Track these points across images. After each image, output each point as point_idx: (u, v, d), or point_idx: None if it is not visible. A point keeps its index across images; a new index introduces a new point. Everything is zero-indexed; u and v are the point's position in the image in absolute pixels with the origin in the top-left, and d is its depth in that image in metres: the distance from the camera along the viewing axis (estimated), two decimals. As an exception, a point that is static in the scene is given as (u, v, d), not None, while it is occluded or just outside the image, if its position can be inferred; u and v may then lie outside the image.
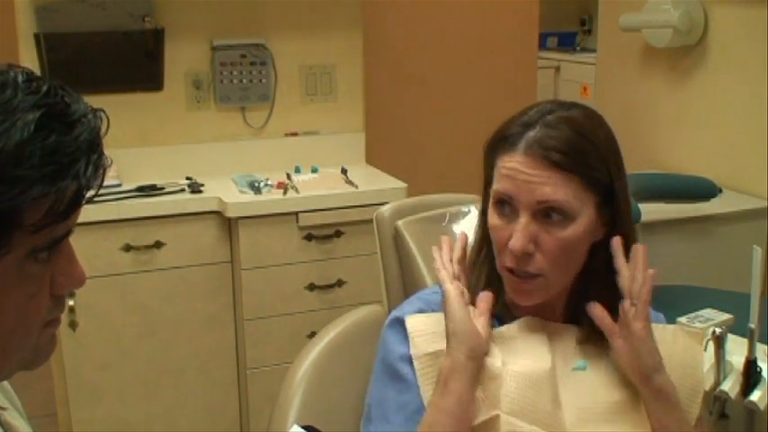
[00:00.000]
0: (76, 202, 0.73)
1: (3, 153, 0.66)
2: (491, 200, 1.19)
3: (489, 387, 1.16)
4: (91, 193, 0.75)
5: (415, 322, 1.24)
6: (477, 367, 1.15)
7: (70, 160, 0.70)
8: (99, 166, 0.73)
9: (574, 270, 1.19)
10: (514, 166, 1.14)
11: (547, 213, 1.13)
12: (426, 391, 1.18)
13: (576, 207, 1.13)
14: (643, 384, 1.17)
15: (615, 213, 1.18)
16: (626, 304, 1.17)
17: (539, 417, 1.15)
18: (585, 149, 1.14)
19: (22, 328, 0.75)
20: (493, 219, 1.18)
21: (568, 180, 1.12)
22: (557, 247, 1.14)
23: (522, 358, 1.19)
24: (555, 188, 1.12)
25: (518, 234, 1.13)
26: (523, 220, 1.13)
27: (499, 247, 1.18)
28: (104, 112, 0.76)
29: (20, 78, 0.71)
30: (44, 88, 0.71)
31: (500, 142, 1.17)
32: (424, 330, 1.22)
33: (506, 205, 1.16)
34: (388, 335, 1.27)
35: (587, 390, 1.19)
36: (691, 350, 1.26)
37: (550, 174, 1.12)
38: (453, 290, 1.18)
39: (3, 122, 0.67)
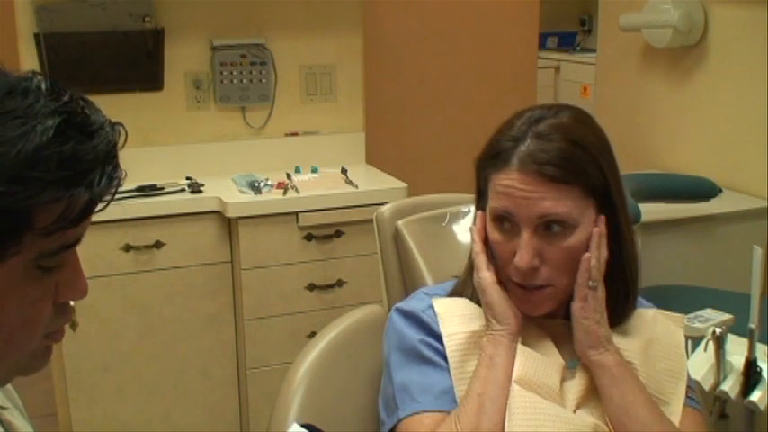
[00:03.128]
0: (88, 211, 0.74)
1: (20, 155, 0.67)
2: (490, 216, 1.19)
3: None
4: (102, 204, 0.76)
5: (442, 304, 1.26)
6: (516, 344, 1.19)
7: (85, 169, 0.71)
8: (113, 178, 0.74)
9: (577, 272, 1.19)
10: (510, 183, 1.14)
11: (548, 226, 1.14)
12: (457, 368, 1.20)
13: (577, 215, 1.14)
14: (583, 359, 1.19)
15: (612, 212, 1.18)
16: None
17: (547, 392, 1.16)
18: (579, 157, 1.13)
19: (21, 333, 0.75)
20: (493, 234, 1.19)
21: (567, 191, 1.13)
22: (562, 257, 1.15)
23: (530, 348, 1.21)
24: (555, 202, 1.12)
25: (522, 251, 1.13)
26: (526, 235, 1.13)
27: (503, 263, 1.19)
28: (123, 125, 0.77)
29: (43, 85, 0.72)
30: (65, 97, 0.72)
31: (492, 159, 1.17)
32: (452, 313, 1.24)
33: (506, 221, 1.16)
34: (399, 324, 1.27)
35: (580, 386, 1.20)
36: (672, 333, 1.27)
37: (548, 188, 1.12)
38: (490, 276, 1.20)
39: (23, 126, 0.68)
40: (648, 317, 1.27)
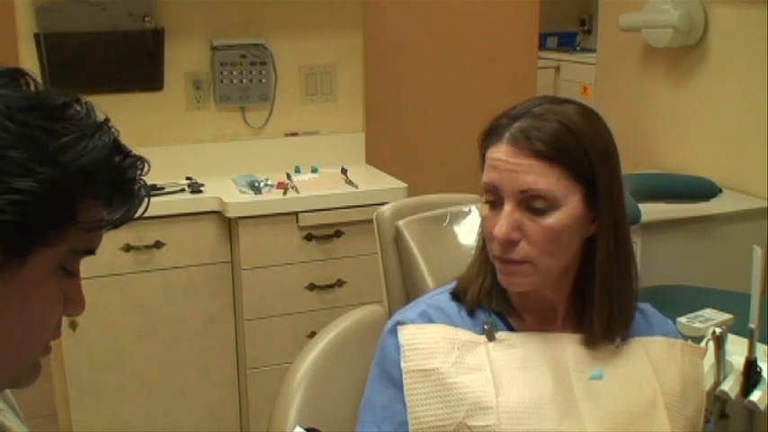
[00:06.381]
0: (121, 220, 0.81)
1: (83, 153, 0.74)
2: (481, 191, 1.20)
3: (484, 421, 1.15)
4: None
5: (408, 334, 1.23)
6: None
7: (127, 181, 0.79)
8: (142, 197, 0.82)
9: (563, 260, 1.19)
10: (499, 156, 1.15)
11: (531, 202, 1.14)
12: (411, 407, 1.18)
13: (560, 196, 1.14)
14: None
15: (599, 208, 1.17)
16: None
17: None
18: (568, 140, 1.14)
19: (35, 335, 0.78)
20: (483, 210, 1.20)
21: (551, 168, 1.13)
22: (542, 235, 1.14)
23: (519, 384, 1.18)
24: (537, 177, 1.13)
25: (502, 222, 1.14)
26: (507, 208, 1.14)
27: (488, 237, 1.19)
28: (147, 162, 0.83)
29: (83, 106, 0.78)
30: (103, 116, 0.79)
31: (489, 135, 1.19)
32: (415, 345, 1.21)
33: (494, 195, 1.17)
34: (386, 340, 1.26)
35: (605, 399, 1.19)
36: (696, 366, 1.28)
37: (532, 162, 1.13)
38: None
39: (82, 131, 0.74)
40: (677, 350, 1.27)
